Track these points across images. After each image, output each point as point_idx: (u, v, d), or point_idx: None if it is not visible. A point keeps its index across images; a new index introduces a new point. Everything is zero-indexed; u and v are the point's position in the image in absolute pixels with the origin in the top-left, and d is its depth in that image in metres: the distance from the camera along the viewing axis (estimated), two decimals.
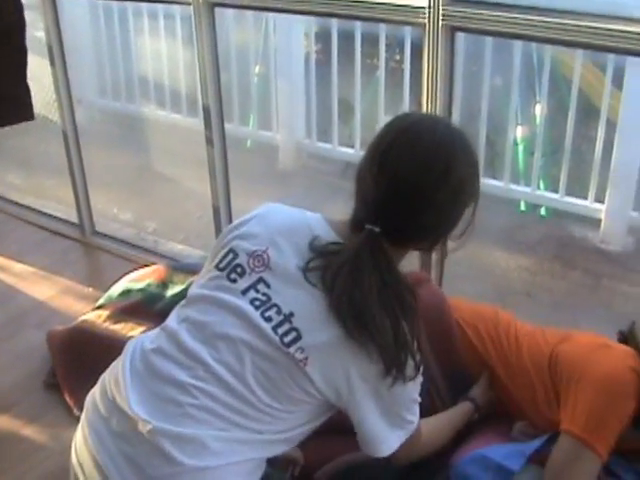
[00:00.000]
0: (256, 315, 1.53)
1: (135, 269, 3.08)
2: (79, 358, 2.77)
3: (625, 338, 2.02)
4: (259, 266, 1.57)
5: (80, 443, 1.59)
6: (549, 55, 4.16)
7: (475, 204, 1.60)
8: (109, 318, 2.82)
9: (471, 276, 3.60)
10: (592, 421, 1.79)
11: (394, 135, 1.55)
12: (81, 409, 2.59)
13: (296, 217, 1.65)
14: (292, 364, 1.50)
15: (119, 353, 1.68)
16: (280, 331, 1.51)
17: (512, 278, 3.71)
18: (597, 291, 3.62)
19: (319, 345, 1.49)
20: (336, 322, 1.48)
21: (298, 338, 1.50)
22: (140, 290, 2.87)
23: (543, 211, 4.40)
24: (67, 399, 2.69)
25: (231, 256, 1.61)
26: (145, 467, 1.47)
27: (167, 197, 4.64)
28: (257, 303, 1.54)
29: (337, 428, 1.66)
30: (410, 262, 1.71)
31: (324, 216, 1.63)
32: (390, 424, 1.57)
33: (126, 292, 2.91)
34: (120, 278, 3.03)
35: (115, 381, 1.58)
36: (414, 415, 1.61)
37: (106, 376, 1.64)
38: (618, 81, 3.97)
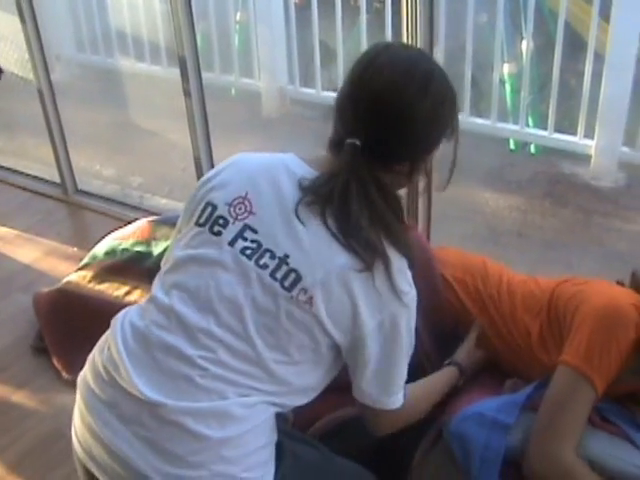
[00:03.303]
0: (250, 265, 1.46)
1: (120, 227, 3.02)
2: (66, 321, 2.74)
3: (635, 283, 1.97)
4: (242, 213, 1.50)
5: (84, 434, 1.49)
6: None
7: (456, 140, 1.56)
8: (94, 278, 2.79)
9: (461, 217, 3.55)
10: (591, 350, 1.73)
11: (372, 55, 1.51)
12: (70, 372, 2.60)
13: (269, 157, 1.60)
14: (296, 308, 1.43)
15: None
16: (279, 276, 1.44)
17: (503, 218, 3.67)
18: (589, 228, 3.59)
19: (321, 281, 1.42)
20: (339, 250, 1.43)
21: (298, 279, 1.43)
22: (125, 249, 2.82)
23: (533, 149, 4.34)
24: (55, 363, 2.67)
25: (210, 209, 1.53)
26: (168, 447, 1.39)
27: (150, 151, 4.57)
28: (248, 252, 1.47)
29: (330, 385, 1.61)
30: None
31: (297, 154, 1.58)
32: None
33: (111, 252, 2.85)
34: (105, 236, 2.97)
35: (112, 363, 1.48)
36: (402, 379, 1.58)
37: (95, 357, 1.54)
38: (605, 12, 3.88)
